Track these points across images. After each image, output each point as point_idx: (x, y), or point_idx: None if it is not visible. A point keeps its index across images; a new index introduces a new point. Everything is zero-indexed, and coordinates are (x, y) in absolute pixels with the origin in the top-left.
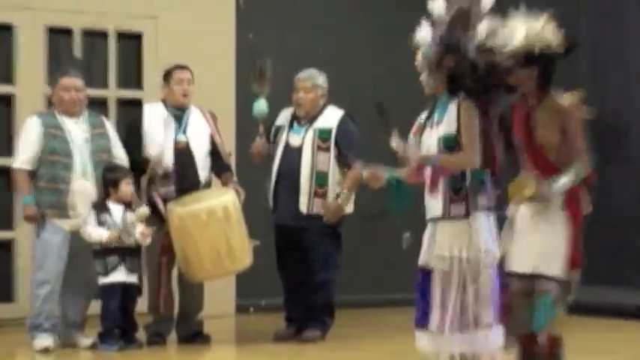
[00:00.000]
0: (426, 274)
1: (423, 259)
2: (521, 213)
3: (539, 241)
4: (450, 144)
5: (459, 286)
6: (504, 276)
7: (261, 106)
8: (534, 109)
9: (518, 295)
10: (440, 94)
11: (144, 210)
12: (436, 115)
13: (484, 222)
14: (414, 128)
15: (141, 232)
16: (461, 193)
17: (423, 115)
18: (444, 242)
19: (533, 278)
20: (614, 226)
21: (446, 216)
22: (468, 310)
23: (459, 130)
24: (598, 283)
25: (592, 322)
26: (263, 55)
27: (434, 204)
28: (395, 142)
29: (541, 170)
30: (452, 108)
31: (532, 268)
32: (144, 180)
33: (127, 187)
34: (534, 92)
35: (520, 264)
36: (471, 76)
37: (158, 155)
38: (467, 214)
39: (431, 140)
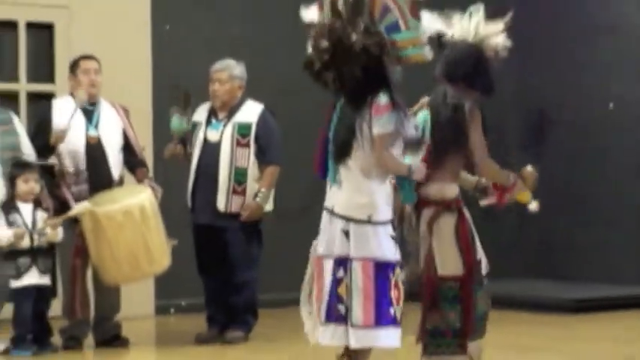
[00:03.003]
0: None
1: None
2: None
3: None
4: None
5: None
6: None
7: (180, 122)
8: None
9: None
10: None
11: (56, 234)
12: None
13: None
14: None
15: (50, 225)
16: None
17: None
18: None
19: None
20: (548, 213)
21: None
22: None
23: None
24: (533, 276)
25: (528, 317)
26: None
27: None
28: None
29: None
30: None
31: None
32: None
33: (24, 185)
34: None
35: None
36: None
37: (63, 129)
38: None
39: None
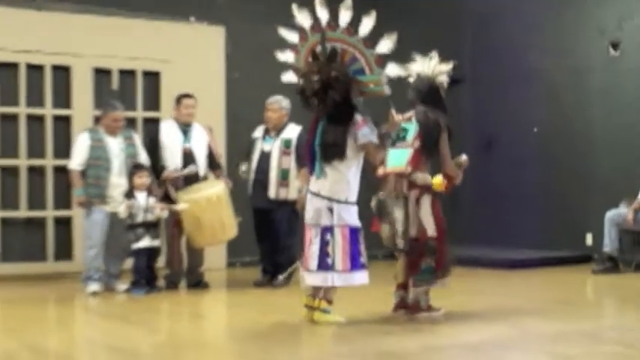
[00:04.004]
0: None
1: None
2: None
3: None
4: None
5: None
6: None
7: (243, 170)
8: None
9: None
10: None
11: (163, 213)
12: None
13: None
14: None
15: (160, 208)
16: None
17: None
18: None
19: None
20: (493, 200)
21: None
22: None
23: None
24: (481, 242)
25: (476, 272)
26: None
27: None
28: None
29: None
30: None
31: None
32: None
33: (138, 180)
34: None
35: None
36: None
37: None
38: None
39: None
